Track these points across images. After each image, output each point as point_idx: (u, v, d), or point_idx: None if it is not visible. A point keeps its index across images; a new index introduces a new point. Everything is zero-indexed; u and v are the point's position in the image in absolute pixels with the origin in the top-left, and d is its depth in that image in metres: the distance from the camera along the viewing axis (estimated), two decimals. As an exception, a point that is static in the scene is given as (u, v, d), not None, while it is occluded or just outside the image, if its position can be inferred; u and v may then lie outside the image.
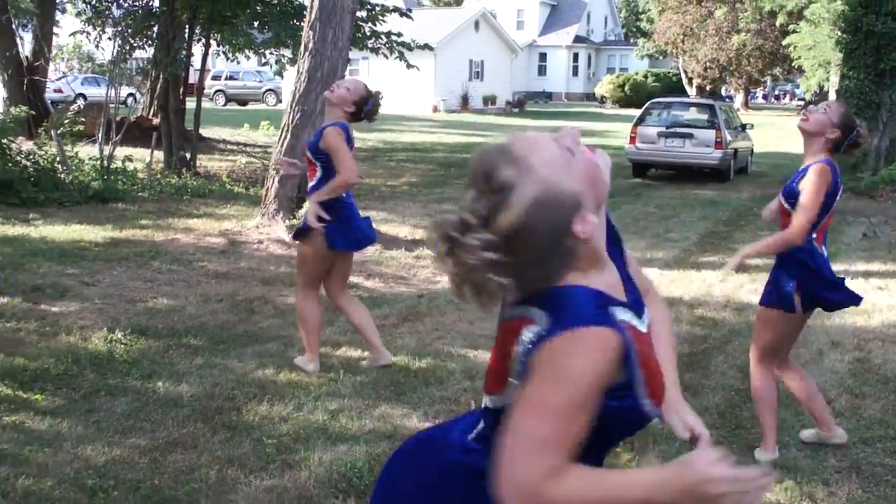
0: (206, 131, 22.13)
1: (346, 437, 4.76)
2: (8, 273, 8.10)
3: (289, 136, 10.26)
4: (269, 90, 46.78)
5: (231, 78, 46.03)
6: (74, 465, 4.32)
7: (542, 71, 59.27)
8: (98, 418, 4.91)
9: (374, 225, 5.95)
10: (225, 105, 43.34)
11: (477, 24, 46.47)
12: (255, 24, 17.15)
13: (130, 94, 29.72)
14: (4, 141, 12.96)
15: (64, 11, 26.31)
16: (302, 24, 15.93)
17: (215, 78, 45.25)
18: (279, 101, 45.03)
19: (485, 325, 7.05)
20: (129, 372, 5.66)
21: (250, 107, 42.94)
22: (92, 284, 7.92)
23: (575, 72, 59.43)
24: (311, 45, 10.33)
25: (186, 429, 4.80)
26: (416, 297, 7.91)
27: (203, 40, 17.19)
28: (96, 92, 33.58)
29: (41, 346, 6.09)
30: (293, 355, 6.00)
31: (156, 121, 20.77)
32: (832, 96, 27.40)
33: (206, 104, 19.40)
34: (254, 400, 5.24)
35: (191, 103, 17.95)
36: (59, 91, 36.99)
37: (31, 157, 13.41)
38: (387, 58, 18.23)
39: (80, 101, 22.43)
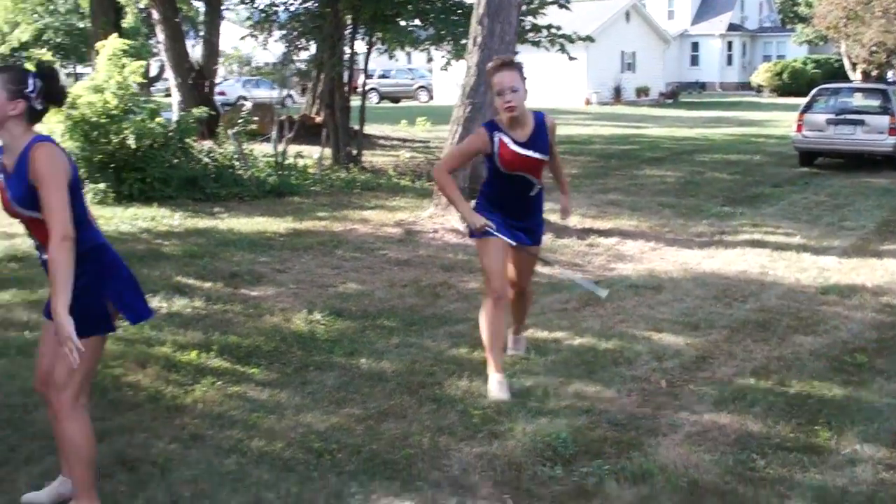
0: (366, 128, 22.78)
1: (544, 411, 4.95)
2: (207, 261, 8.67)
3: (460, 130, 10.53)
4: (421, 87, 47.60)
5: (383, 76, 46.99)
6: (298, 431, 4.67)
7: (694, 61, 58.10)
8: (312, 390, 5.27)
9: (544, 215, 5.79)
10: (378, 103, 44.29)
11: (628, 15, 46.02)
12: (417, 21, 17.55)
13: (289, 95, 30.88)
14: (188, 141, 13.78)
15: (222, 19, 27.46)
16: (462, 19, 16.31)
17: (368, 76, 46.32)
18: (431, 97, 45.78)
19: (664, 309, 7.15)
20: (332, 350, 6.02)
21: (402, 104, 43.80)
22: (283, 271, 8.39)
23: (729, 60, 58.00)
24: (479, 40, 10.58)
25: (394, 400, 5.10)
26: (594, 283, 8.04)
27: (367, 39, 17.69)
28: (256, 94, 35.01)
29: (249, 326, 6.54)
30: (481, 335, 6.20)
31: (318, 119, 21.55)
32: None
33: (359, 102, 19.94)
34: (453, 376, 5.50)
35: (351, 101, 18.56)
36: (223, 94, 38.59)
37: (212, 155, 14.21)
38: (548, 50, 18.37)
39: (247, 103, 23.49)
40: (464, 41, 16.51)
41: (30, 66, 3.73)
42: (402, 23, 17.57)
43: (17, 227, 10.87)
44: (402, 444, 4.51)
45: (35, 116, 3.55)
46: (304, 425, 4.75)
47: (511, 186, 5.22)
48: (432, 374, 5.56)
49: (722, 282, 8.07)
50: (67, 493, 3.83)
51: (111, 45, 12.96)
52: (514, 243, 5.21)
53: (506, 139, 5.05)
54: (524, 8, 16.98)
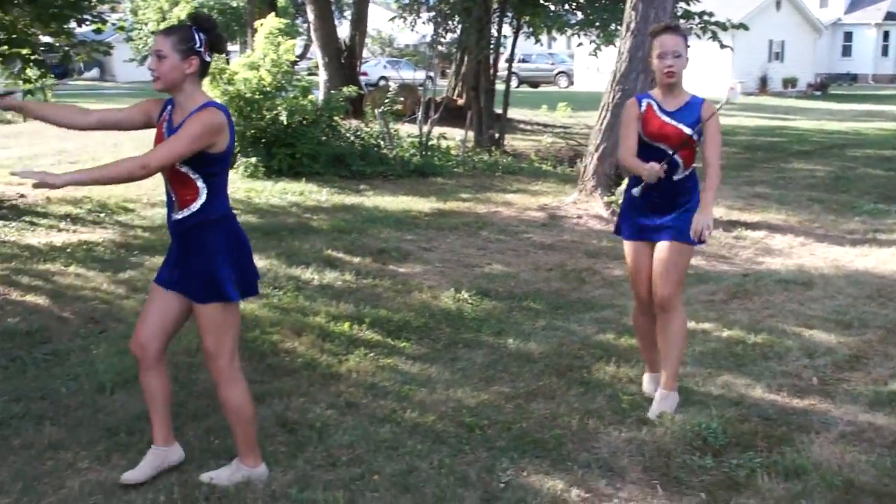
0: (508, 112, 22.86)
1: (693, 400, 4.92)
2: (355, 236, 8.91)
3: (608, 116, 10.49)
4: (561, 73, 47.27)
5: (523, 60, 46.84)
6: (449, 405, 4.79)
7: (846, 51, 55.79)
8: (462, 366, 5.39)
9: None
10: (518, 87, 44.21)
11: (778, 3, 44.58)
12: (566, 6, 17.49)
13: (429, 77, 31.20)
14: (336, 119, 14.13)
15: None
16: (611, 5, 16.17)
17: (508, 60, 46.29)
18: (571, 83, 45.45)
19: (815, 305, 6.98)
20: (479, 328, 6.13)
21: (542, 89, 43.64)
22: (430, 250, 8.55)
23: (885, 51, 55.46)
24: (632, 26, 10.48)
25: (542, 381, 5.17)
26: (742, 275, 7.91)
27: (514, 22, 17.72)
28: (396, 75, 35.46)
29: (398, 302, 6.71)
30: (628, 323, 6.17)
31: (460, 101, 21.74)
32: None
33: (500, 86, 19.98)
34: (601, 360, 5.52)
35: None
36: (365, 74, 39.14)
37: (358, 133, 14.52)
38: (699, 38, 18.02)
39: (392, 83, 23.83)
40: (612, 27, 16.40)
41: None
42: (552, 7, 17.50)
43: (160, 192, 11.39)
44: (551, 425, 4.57)
45: (205, 70, 3.64)
46: (455, 400, 4.86)
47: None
48: (580, 357, 5.59)
49: (876, 281, 7.81)
50: (162, 465, 3.98)
51: (269, 23, 13.39)
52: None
53: (654, 105, 4.72)
54: (677, -7, 16.71)
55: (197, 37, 3.56)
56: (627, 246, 4.89)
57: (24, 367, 5.31)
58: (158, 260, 7.73)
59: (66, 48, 10.98)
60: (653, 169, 4.50)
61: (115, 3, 13.33)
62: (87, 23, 11.30)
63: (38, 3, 10.07)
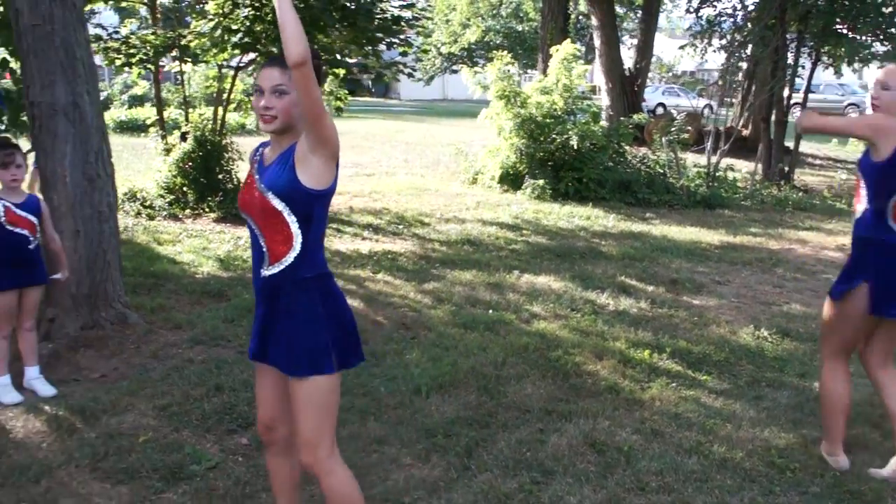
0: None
1: None
2: (646, 265, 8.93)
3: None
4: (852, 104, 44.79)
5: (810, 91, 44.81)
6: (756, 443, 4.73)
7: None
8: (767, 406, 5.29)
9: None
10: (800, 118, 42.29)
11: None
12: (871, 36, 16.64)
13: (708, 105, 30.55)
14: (623, 145, 14.21)
15: (658, 29, 27.58)
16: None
17: (804, 92, 44.38)
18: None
19: None
20: (782, 368, 5.99)
21: (830, 122, 41.49)
22: (723, 283, 8.43)
23: None
24: (954, 61, 9.84)
25: (854, 430, 4.95)
26: None
27: (812, 52, 17.07)
28: (673, 102, 34.92)
29: (696, 334, 6.67)
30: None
31: (745, 132, 21.16)
32: None
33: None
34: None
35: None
36: (644, 101, 38.83)
37: (645, 161, 14.51)
38: None
39: (674, 111, 23.57)
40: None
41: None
42: (856, 37, 16.70)
43: (467, 211, 11.90)
44: (868, 476, 4.40)
45: None
46: (762, 439, 4.79)
47: None
48: (894, 409, 5.33)
49: None
50: None
51: (564, 49, 13.69)
52: None
53: None
54: None
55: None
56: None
57: (347, 363, 5.75)
58: (459, 274, 8.14)
59: (380, 69, 11.74)
60: None
61: (423, 28, 14.05)
62: (395, 45, 12.04)
63: (356, 27, 10.84)
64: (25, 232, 5.11)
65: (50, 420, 4.81)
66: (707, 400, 5.36)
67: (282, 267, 3.07)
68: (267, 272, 3.09)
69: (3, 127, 8.19)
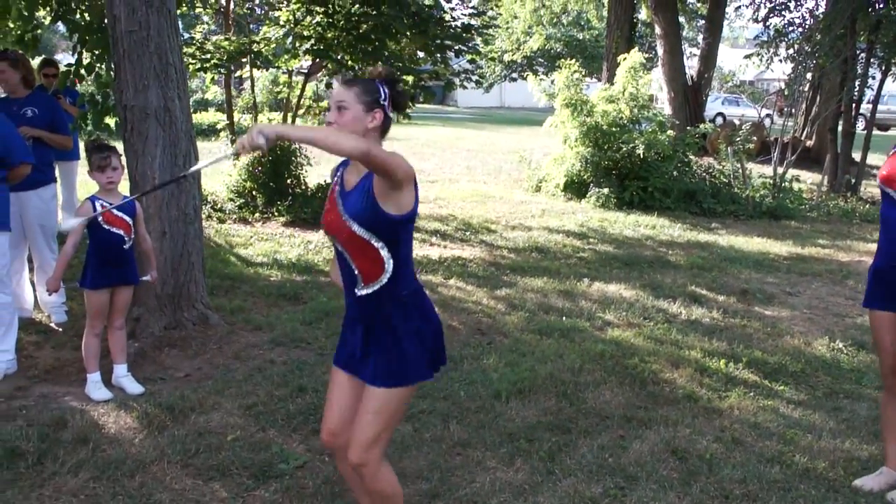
0: (859, 155, 21.75)
1: None
2: (715, 274, 8.92)
3: None
4: (917, 116, 44.01)
5: (878, 101, 44.05)
6: (838, 454, 4.72)
7: None
8: (846, 417, 5.29)
9: None
10: (863, 129, 41.69)
11: None
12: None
13: (768, 115, 30.30)
14: (689, 155, 14.16)
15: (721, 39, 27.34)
16: None
17: (872, 103, 43.66)
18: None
19: None
20: (859, 381, 5.97)
21: (892, 132, 40.86)
22: (794, 294, 8.39)
23: None
24: None
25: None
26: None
27: (883, 63, 16.85)
28: (734, 112, 34.62)
29: (770, 344, 6.67)
30: None
31: (809, 143, 20.92)
32: None
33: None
34: None
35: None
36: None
37: (710, 170, 14.45)
38: None
39: (736, 120, 23.37)
40: None
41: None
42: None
43: (532, 219, 11.95)
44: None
45: (387, 128, 3.24)
46: (843, 450, 4.78)
47: None
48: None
49: None
50: None
51: (632, 58, 13.69)
52: None
53: None
54: None
55: (382, 90, 3.18)
56: None
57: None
58: (529, 280, 8.21)
59: (449, 77, 11.85)
60: None
61: (490, 36, 14.14)
62: (464, 53, 12.14)
63: (427, 34, 10.95)
64: (121, 232, 5.27)
65: (140, 417, 4.94)
66: (785, 410, 5.36)
67: (376, 287, 3.16)
68: (361, 292, 3.19)
69: (89, 129, 8.42)
